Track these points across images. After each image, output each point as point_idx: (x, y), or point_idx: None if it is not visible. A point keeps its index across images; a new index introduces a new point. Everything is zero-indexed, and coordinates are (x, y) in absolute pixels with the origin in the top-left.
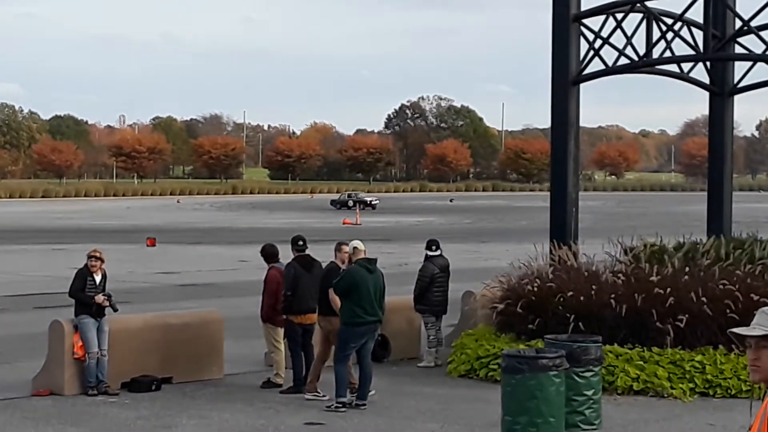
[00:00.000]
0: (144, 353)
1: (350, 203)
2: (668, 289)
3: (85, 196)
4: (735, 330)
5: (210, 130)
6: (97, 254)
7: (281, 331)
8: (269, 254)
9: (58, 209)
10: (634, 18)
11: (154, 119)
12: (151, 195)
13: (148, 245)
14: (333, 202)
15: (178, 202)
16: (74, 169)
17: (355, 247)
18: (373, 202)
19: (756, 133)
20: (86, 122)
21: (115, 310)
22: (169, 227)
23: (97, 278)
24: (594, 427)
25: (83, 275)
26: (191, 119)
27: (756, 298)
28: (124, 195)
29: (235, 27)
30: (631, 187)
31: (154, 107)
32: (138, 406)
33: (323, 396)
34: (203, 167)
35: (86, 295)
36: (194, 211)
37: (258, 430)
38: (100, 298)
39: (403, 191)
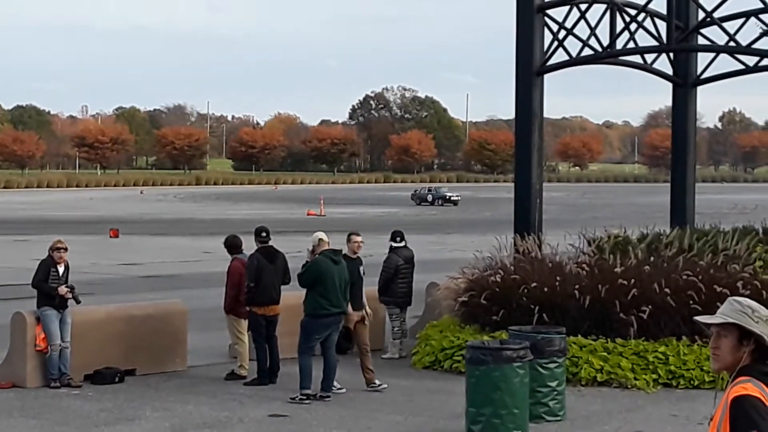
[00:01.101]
0: (107, 345)
1: (429, 198)
2: (632, 281)
3: (48, 186)
4: (697, 318)
5: (173, 120)
6: (63, 245)
7: (245, 322)
8: (232, 245)
9: (20, 200)
10: (598, 9)
11: (117, 109)
12: (114, 186)
13: (111, 236)
14: (413, 196)
15: (141, 193)
16: (36, 160)
17: (320, 239)
18: (453, 198)
19: (719, 125)
20: (49, 112)
21: (78, 302)
22: (133, 218)
23: (60, 269)
24: (558, 418)
25: (47, 266)
26: (154, 109)
27: (719, 289)
28: (87, 186)
29: (199, 16)
30: (594, 179)
31: (117, 97)
32: (101, 398)
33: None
34: (167, 158)
35: (49, 286)
36: (158, 202)
37: (222, 422)
38: (63, 289)
39: (368, 182)
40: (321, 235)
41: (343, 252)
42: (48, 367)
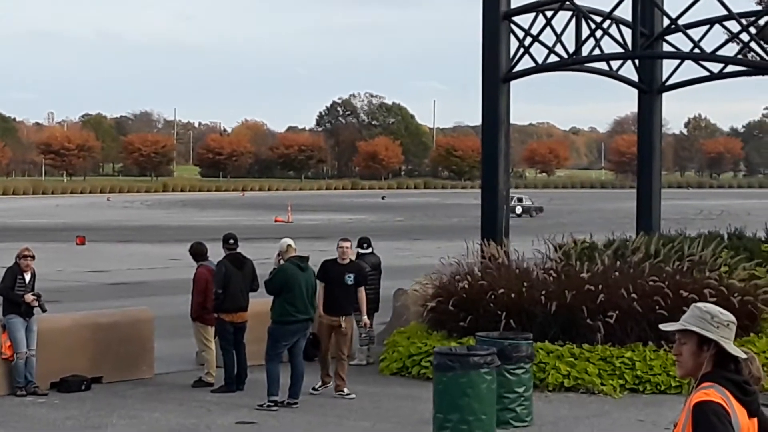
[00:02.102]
0: (73, 353)
1: (518, 209)
2: (599, 286)
3: (14, 194)
4: (661, 326)
5: (140, 127)
6: (30, 253)
7: (212, 329)
8: (197, 252)
9: None
10: (564, 16)
11: (83, 116)
12: (81, 193)
13: (77, 243)
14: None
15: (108, 200)
16: (2, 167)
17: (288, 245)
18: (534, 208)
19: (684, 131)
20: (14, 119)
21: (44, 311)
22: (99, 225)
23: (27, 277)
24: (525, 423)
25: (13, 273)
26: (121, 116)
27: (685, 294)
28: (53, 193)
29: (166, 23)
30: (561, 185)
31: (84, 104)
32: (67, 406)
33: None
34: (133, 165)
35: (16, 294)
36: (124, 209)
37: (189, 429)
38: (29, 297)
39: (335, 189)
40: (288, 241)
41: (335, 258)
42: (14, 375)
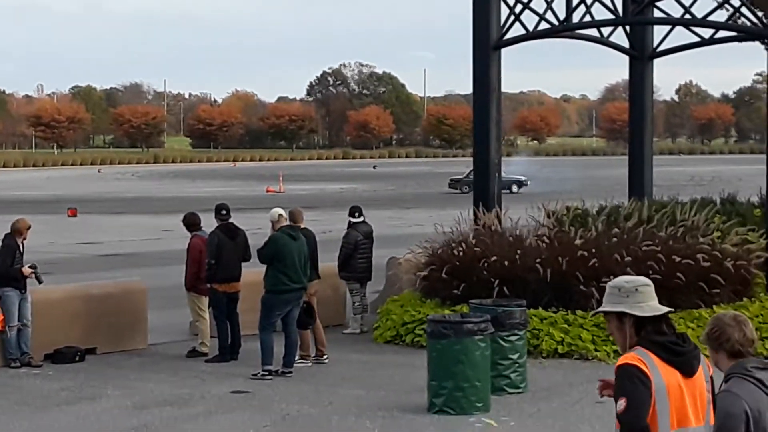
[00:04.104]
0: (67, 324)
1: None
2: (592, 252)
3: (4, 166)
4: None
5: (130, 98)
6: (29, 225)
7: (205, 299)
8: (191, 223)
9: None
10: None
11: (73, 88)
12: (72, 165)
13: (69, 215)
14: (456, 183)
15: (99, 171)
16: None
17: (280, 215)
18: (516, 181)
19: (675, 97)
20: (4, 92)
21: (40, 282)
22: (91, 197)
23: (21, 249)
24: (519, 390)
25: (11, 249)
26: (111, 88)
27: (678, 259)
28: (43, 165)
29: None
30: (553, 152)
31: (73, 76)
32: (62, 377)
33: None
34: (124, 136)
35: (14, 269)
36: (116, 181)
37: (184, 400)
38: (27, 270)
39: (326, 158)
40: (279, 210)
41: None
42: (6, 347)
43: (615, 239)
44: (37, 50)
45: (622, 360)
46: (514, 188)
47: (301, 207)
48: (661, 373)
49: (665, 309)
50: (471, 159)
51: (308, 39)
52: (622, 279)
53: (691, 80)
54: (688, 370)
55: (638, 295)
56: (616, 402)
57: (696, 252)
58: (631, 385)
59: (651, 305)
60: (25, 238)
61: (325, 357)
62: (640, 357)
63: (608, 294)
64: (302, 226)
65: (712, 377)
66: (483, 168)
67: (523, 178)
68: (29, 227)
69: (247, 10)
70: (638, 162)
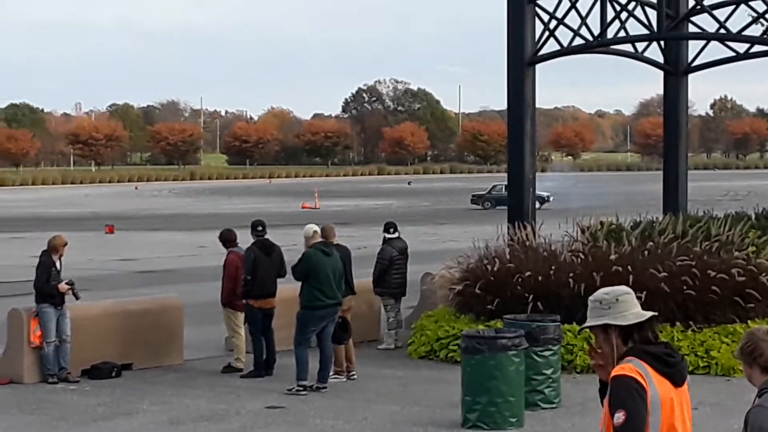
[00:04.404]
0: (104, 340)
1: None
2: (626, 267)
3: (43, 184)
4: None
5: (167, 116)
6: (66, 242)
7: (241, 315)
8: (227, 239)
9: (15, 198)
10: None
11: (110, 106)
12: (109, 182)
13: (106, 232)
14: (479, 199)
15: (136, 188)
16: (31, 158)
17: (315, 231)
18: (549, 197)
19: (710, 112)
20: (42, 110)
21: (78, 298)
22: (128, 214)
23: (59, 266)
24: (554, 405)
25: (47, 267)
26: (148, 106)
27: (713, 274)
28: (81, 182)
29: (188, 9)
30: (587, 168)
31: (111, 94)
32: (98, 392)
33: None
34: (161, 153)
35: (51, 286)
36: (152, 198)
37: (219, 415)
38: (63, 287)
39: (361, 175)
40: (314, 227)
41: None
42: (44, 363)
43: (649, 254)
44: (74, 68)
45: (618, 371)
46: (537, 204)
47: (336, 223)
48: (655, 384)
49: (648, 314)
50: (505, 175)
51: (344, 56)
52: (601, 292)
53: (726, 95)
54: (678, 380)
55: (619, 305)
56: (612, 414)
57: (731, 267)
58: (629, 398)
59: (634, 312)
60: (62, 255)
61: (353, 373)
62: (637, 369)
63: (590, 309)
64: (335, 242)
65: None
66: (517, 183)
67: (546, 194)
68: (66, 244)
69: (283, 27)
70: (673, 177)
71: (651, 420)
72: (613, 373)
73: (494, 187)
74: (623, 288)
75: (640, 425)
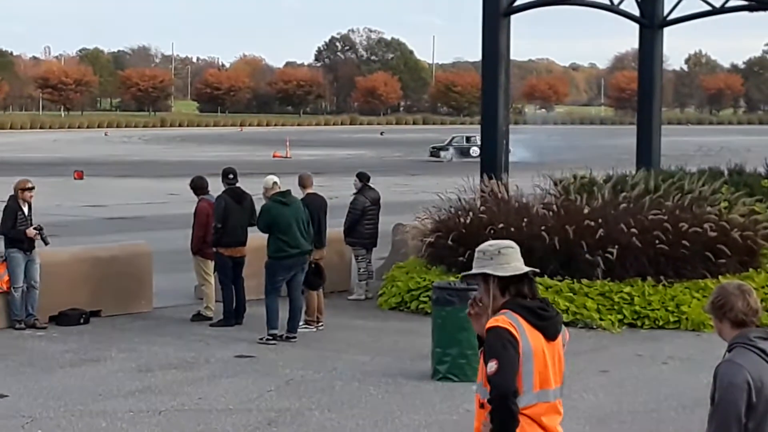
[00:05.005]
0: (72, 287)
1: (474, 151)
2: (598, 221)
3: (11, 128)
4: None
5: (137, 62)
6: (30, 185)
7: (211, 263)
8: (198, 186)
9: None
10: None
11: (80, 51)
12: (79, 128)
13: (75, 178)
14: (438, 150)
15: (105, 134)
16: None
17: (274, 182)
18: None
19: (685, 67)
20: (11, 53)
21: (46, 243)
22: (97, 160)
23: (26, 210)
24: None
25: (13, 211)
26: (118, 51)
27: (684, 229)
28: (50, 127)
29: None
30: (561, 121)
31: (81, 38)
32: (66, 339)
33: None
34: (131, 100)
35: (18, 231)
36: (122, 144)
37: (188, 363)
38: (31, 231)
39: (334, 124)
40: (274, 178)
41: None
42: (11, 309)
43: (621, 208)
44: (44, 12)
45: (492, 322)
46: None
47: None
48: (528, 336)
49: (527, 269)
50: (479, 126)
51: (317, 4)
52: (487, 243)
53: (700, 50)
54: (551, 334)
55: (501, 257)
56: (486, 363)
57: (703, 222)
58: (502, 348)
59: (513, 266)
60: (30, 198)
61: (321, 324)
62: (510, 320)
63: (475, 259)
64: (311, 190)
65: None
66: (491, 135)
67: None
68: (29, 188)
69: None
70: (646, 131)
71: (524, 370)
72: (487, 325)
73: (453, 138)
74: (508, 242)
75: (512, 374)
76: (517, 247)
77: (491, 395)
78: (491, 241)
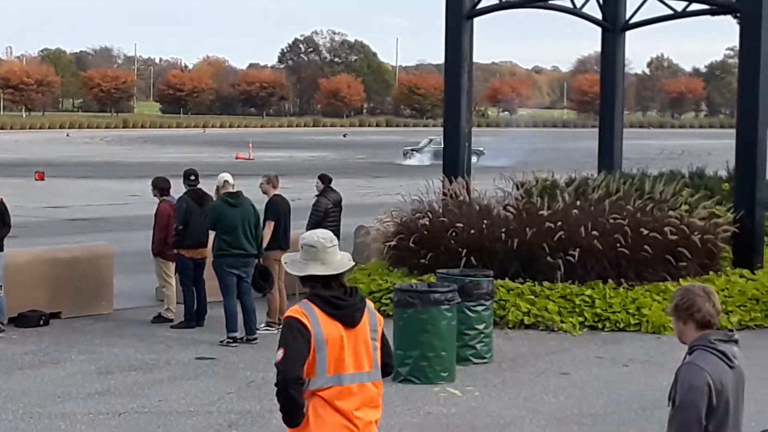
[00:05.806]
0: (32, 288)
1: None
2: (559, 224)
3: None
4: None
5: (100, 62)
6: None
7: (172, 265)
8: (160, 187)
9: None
10: None
11: (42, 51)
12: (40, 128)
13: (36, 179)
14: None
15: (67, 135)
16: None
17: (225, 181)
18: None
19: (647, 71)
20: None
21: None
22: (59, 161)
23: None
24: (485, 360)
25: None
26: (81, 51)
27: (645, 232)
28: (11, 128)
29: None
30: (524, 123)
31: (43, 39)
32: (26, 341)
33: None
34: (93, 100)
35: None
36: (84, 145)
37: (148, 365)
38: None
39: (297, 126)
40: (226, 176)
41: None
42: None
43: (582, 211)
44: (6, 12)
45: (287, 312)
46: (474, 159)
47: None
48: (322, 325)
49: (315, 271)
50: (441, 129)
51: (280, 5)
52: (306, 235)
53: (662, 53)
54: (349, 322)
55: (306, 252)
56: (277, 351)
57: (663, 225)
58: (290, 337)
59: (321, 263)
60: None
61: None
62: (303, 310)
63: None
64: (276, 192)
65: (383, 330)
66: (453, 138)
67: (481, 148)
68: None
69: None
70: (608, 134)
71: (317, 356)
72: (284, 314)
73: (431, 141)
74: (315, 238)
75: (295, 362)
76: (327, 243)
77: (276, 381)
78: (305, 234)
